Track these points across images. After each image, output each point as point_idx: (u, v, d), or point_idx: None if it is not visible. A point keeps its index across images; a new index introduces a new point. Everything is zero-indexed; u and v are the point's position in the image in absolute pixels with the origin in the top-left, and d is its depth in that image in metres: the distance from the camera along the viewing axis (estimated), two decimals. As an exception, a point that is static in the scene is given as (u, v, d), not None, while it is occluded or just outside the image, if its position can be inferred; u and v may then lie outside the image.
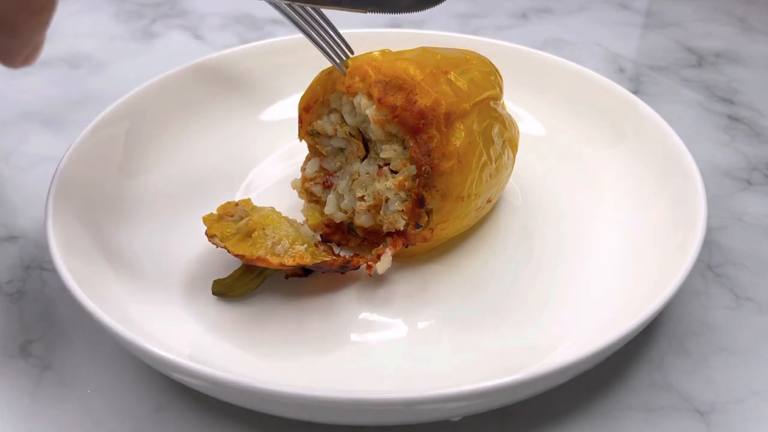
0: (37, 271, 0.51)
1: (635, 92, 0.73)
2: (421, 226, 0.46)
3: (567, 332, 0.44)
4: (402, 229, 0.46)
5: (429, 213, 0.46)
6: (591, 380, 0.42)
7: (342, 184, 0.49)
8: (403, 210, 0.46)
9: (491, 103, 0.49)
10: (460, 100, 0.46)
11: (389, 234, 0.47)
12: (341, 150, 0.49)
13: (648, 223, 0.50)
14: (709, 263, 0.52)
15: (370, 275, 0.46)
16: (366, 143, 0.48)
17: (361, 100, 0.46)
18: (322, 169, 0.50)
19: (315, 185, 0.50)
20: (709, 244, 0.54)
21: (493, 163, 0.48)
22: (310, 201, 0.51)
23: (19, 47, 0.34)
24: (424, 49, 0.49)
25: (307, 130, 0.49)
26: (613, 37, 0.85)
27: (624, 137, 0.58)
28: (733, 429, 0.41)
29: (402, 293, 0.47)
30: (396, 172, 0.46)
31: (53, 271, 0.42)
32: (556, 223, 0.53)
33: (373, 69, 0.46)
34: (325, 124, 0.48)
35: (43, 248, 0.52)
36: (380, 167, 0.47)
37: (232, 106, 0.63)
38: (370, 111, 0.45)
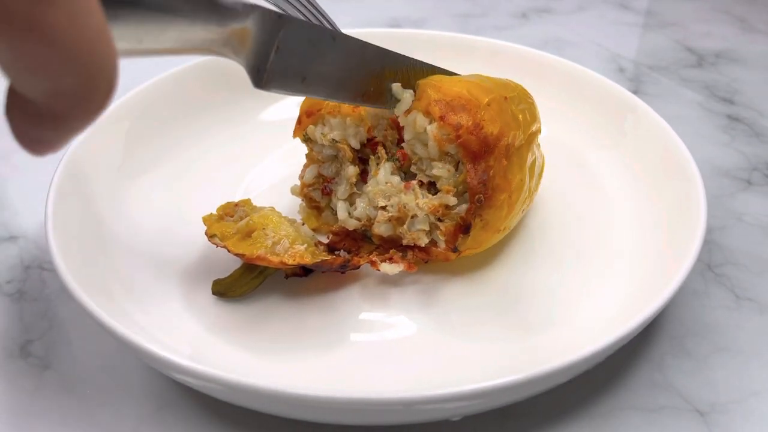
0: (37, 271, 0.51)
1: (635, 92, 0.73)
2: (458, 250, 0.45)
3: (567, 332, 0.44)
4: (423, 246, 0.46)
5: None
6: (591, 380, 0.42)
7: (341, 190, 0.49)
8: (428, 229, 0.45)
9: (537, 137, 0.49)
10: (519, 132, 0.45)
11: (409, 247, 0.47)
12: (335, 156, 0.49)
13: (648, 223, 0.50)
14: (709, 263, 0.52)
15: (378, 270, 0.46)
16: (364, 151, 0.48)
17: (417, 117, 0.44)
18: (320, 175, 0.50)
19: (314, 191, 0.50)
20: (709, 244, 0.54)
21: (529, 197, 0.49)
22: (310, 207, 0.52)
23: (57, 140, 0.25)
24: (471, 75, 0.48)
25: (302, 134, 0.50)
26: (613, 37, 0.85)
27: (624, 137, 0.58)
28: (733, 429, 0.41)
29: (402, 293, 0.47)
30: (432, 188, 0.45)
31: (53, 271, 0.42)
32: (556, 223, 0.53)
33: (432, 88, 0.44)
34: (316, 132, 0.49)
35: (43, 248, 0.52)
36: (405, 178, 0.46)
37: (232, 106, 0.63)
38: (431, 128, 0.43)
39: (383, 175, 0.47)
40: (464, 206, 0.44)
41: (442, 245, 0.45)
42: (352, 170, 0.48)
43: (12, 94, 0.23)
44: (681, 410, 0.42)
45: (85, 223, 0.48)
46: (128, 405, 0.41)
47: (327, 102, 0.48)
